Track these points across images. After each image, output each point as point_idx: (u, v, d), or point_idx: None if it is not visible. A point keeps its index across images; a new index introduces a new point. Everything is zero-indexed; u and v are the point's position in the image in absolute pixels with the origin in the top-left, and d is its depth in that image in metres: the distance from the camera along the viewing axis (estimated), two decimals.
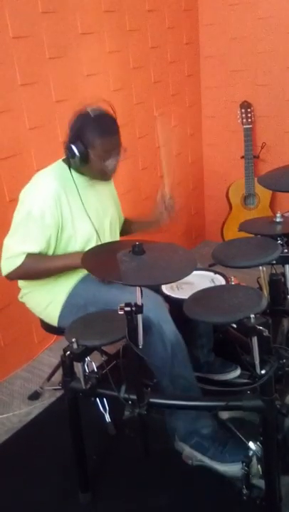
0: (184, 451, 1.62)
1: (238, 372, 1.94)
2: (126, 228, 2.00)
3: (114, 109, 1.66)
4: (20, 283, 1.79)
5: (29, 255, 1.57)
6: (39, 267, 1.62)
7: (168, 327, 1.55)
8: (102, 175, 1.68)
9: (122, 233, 2.00)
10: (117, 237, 1.87)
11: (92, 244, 1.68)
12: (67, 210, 1.62)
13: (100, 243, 1.69)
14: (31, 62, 2.07)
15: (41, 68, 2.12)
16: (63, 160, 1.68)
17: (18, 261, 1.57)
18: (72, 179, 1.64)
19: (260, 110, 3.01)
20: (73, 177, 1.64)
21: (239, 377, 1.94)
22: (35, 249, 1.58)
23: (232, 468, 1.52)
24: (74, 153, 1.57)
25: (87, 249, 1.66)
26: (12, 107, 2.04)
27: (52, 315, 1.73)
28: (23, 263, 1.57)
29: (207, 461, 1.58)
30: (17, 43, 2.00)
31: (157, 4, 2.70)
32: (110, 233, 1.80)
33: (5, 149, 2.04)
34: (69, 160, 1.60)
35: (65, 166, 1.66)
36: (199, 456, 1.60)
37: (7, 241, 1.61)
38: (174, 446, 1.65)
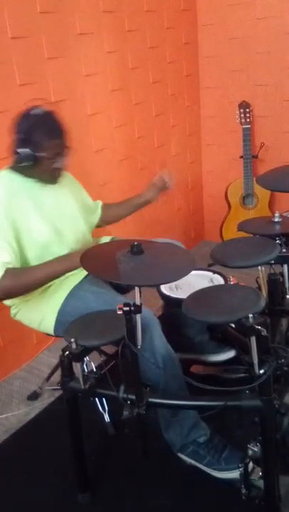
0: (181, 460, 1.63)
1: (231, 353, 1.91)
2: (113, 213, 1.98)
3: (57, 109, 1.62)
4: (7, 301, 1.75)
5: (8, 270, 1.52)
6: (23, 280, 1.56)
7: (159, 342, 1.55)
8: (52, 177, 1.65)
9: (109, 220, 1.98)
10: (84, 234, 1.81)
11: (54, 247, 1.64)
12: (21, 218, 1.58)
13: (61, 245, 1.66)
14: (30, 63, 2.07)
15: (40, 68, 2.12)
16: (9, 167, 1.65)
17: None
18: (22, 185, 1.61)
19: (259, 110, 3.01)
20: (23, 182, 1.62)
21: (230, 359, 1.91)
22: (5, 257, 1.53)
23: (228, 476, 1.54)
24: (23, 158, 1.55)
25: (47, 253, 1.62)
26: (11, 107, 2.04)
27: (47, 329, 1.72)
28: (3, 278, 1.51)
29: (204, 469, 1.60)
30: (16, 43, 2.00)
31: (156, 4, 2.70)
32: (73, 232, 1.73)
33: (5, 149, 2.04)
34: (18, 165, 1.57)
35: (12, 173, 1.63)
36: (195, 464, 1.61)
37: None
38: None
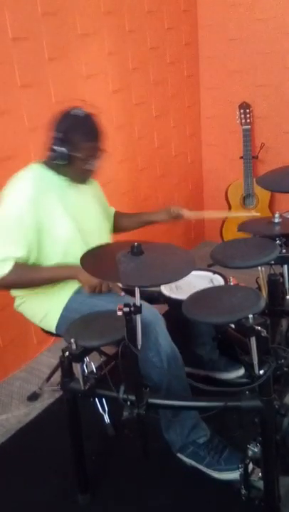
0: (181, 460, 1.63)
1: (241, 371, 1.93)
2: (123, 224, 1.99)
3: (99, 111, 1.64)
4: (13, 292, 1.76)
5: (17, 265, 1.55)
6: (27, 278, 1.60)
7: (164, 340, 1.55)
8: (82, 178, 1.67)
9: (117, 229, 1.99)
10: (105, 237, 1.83)
11: (76, 245, 1.65)
12: (46, 213, 1.59)
13: (83, 244, 1.66)
14: (31, 64, 2.08)
15: (41, 69, 2.12)
16: (41, 161, 1.67)
17: (5, 269, 1.54)
18: (51, 181, 1.63)
19: (259, 111, 3.01)
20: (52, 178, 1.64)
21: (240, 376, 1.94)
22: (17, 252, 1.55)
23: (228, 476, 1.54)
24: (58, 156, 1.57)
25: (70, 251, 1.64)
26: (12, 108, 2.05)
27: (50, 325, 1.73)
28: (10, 272, 1.54)
29: (204, 469, 1.60)
30: (17, 45, 2.00)
31: (156, 5, 2.70)
32: (95, 233, 1.75)
33: (4, 150, 2.04)
34: (51, 161, 1.59)
35: (43, 168, 1.65)
36: (195, 464, 1.61)
37: None
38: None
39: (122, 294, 1.63)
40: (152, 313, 1.58)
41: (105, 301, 1.60)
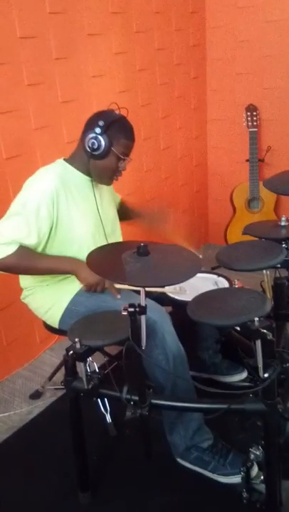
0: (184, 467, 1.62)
1: (244, 374, 1.93)
2: (123, 212, 1.98)
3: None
4: (23, 283, 1.77)
5: (21, 248, 1.54)
6: (28, 263, 1.58)
7: (171, 339, 1.55)
8: (108, 177, 1.68)
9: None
10: (119, 239, 1.85)
11: (90, 244, 1.65)
12: (65, 209, 1.60)
13: (97, 244, 1.66)
14: (38, 63, 2.08)
15: (48, 69, 2.13)
16: (65, 159, 1.69)
17: (9, 250, 1.53)
18: (75, 179, 1.64)
19: (266, 113, 3.01)
20: (76, 177, 1.65)
21: (243, 380, 1.94)
22: (26, 239, 1.55)
23: (234, 480, 1.52)
24: (97, 145, 1.57)
25: (83, 249, 1.63)
26: (18, 107, 2.05)
27: (53, 318, 1.73)
28: (13, 254, 1.53)
29: (208, 475, 1.58)
30: (24, 43, 2.00)
31: (164, 6, 2.70)
32: (111, 235, 1.78)
33: (11, 149, 2.05)
34: (87, 152, 1.60)
35: (67, 165, 1.67)
36: (200, 471, 1.59)
37: None
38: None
39: (118, 296, 1.62)
40: (160, 312, 1.58)
41: (113, 298, 1.60)
